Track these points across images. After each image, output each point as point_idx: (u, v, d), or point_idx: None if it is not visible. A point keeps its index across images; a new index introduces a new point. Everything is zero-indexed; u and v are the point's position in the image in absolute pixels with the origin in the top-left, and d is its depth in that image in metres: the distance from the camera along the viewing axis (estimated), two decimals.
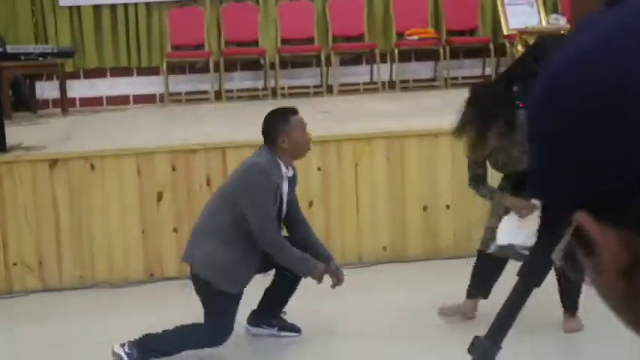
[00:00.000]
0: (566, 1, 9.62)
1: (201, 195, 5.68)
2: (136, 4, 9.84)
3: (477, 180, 4.78)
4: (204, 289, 4.39)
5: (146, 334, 4.36)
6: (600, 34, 0.72)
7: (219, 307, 4.35)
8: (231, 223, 4.37)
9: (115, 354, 4.28)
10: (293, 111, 4.53)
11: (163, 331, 4.36)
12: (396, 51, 9.82)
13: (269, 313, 4.77)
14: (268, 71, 9.71)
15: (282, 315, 4.82)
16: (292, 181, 4.58)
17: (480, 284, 4.81)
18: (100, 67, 9.81)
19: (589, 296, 5.10)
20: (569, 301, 4.66)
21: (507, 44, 9.89)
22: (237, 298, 4.42)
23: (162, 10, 9.89)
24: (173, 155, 5.80)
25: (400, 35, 10.02)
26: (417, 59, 10.19)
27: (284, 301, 4.76)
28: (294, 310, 5.13)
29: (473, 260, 6.01)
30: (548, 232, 0.77)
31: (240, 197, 4.35)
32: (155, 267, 5.84)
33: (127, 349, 4.29)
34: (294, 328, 4.76)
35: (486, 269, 4.79)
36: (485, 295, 4.82)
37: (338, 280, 4.51)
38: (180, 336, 4.34)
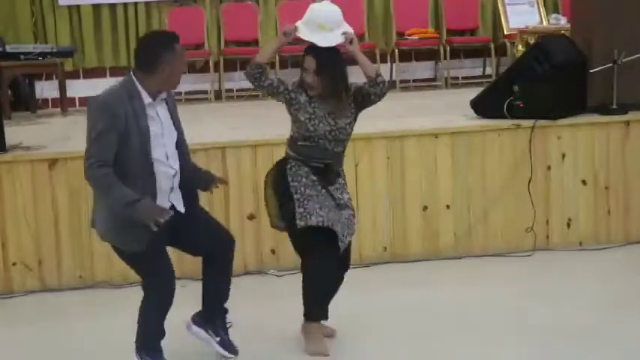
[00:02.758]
0: (566, 1, 9.61)
1: (201, 195, 5.66)
2: (135, 4, 9.82)
3: None
4: (118, 253, 4.18)
5: (136, 336, 4.28)
6: None
7: (141, 264, 4.17)
8: None
9: None
10: (177, 38, 4.10)
11: (138, 321, 4.26)
12: (396, 51, 9.81)
13: (208, 317, 4.48)
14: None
15: (227, 325, 4.52)
16: (170, 108, 4.16)
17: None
18: (99, 67, 9.80)
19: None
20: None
21: (507, 44, 9.88)
22: (152, 249, 4.07)
23: (162, 9, 9.88)
24: None
25: (400, 35, 10.01)
26: (417, 59, 10.17)
27: (218, 304, 4.45)
28: (293, 310, 5.12)
29: (473, 260, 6.02)
30: None
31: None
32: None
33: (139, 358, 4.28)
34: (232, 349, 4.47)
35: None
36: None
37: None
38: (145, 311, 4.23)
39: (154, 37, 4.28)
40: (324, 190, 4.46)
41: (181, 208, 4.21)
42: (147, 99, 4.02)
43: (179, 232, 4.22)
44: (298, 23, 4.40)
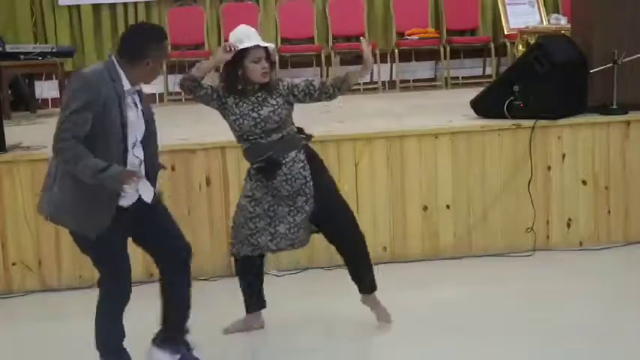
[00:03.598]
0: (566, 1, 9.61)
1: (201, 195, 5.67)
2: (135, 4, 9.84)
3: None
4: (78, 241, 4.08)
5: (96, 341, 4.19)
6: None
7: (100, 252, 4.06)
8: None
9: None
10: (165, 34, 4.11)
11: (96, 322, 4.18)
12: (396, 51, 9.81)
13: (169, 335, 4.31)
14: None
15: (186, 349, 4.35)
16: (141, 99, 4.10)
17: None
18: None
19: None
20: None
21: (508, 44, 9.89)
22: (113, 237, 3.99)
23: (162, 9, 9.90)
24: (173, 155, 5.78)
25: (400, 35, 10.02)
26: (417, 59, 10.18)
27: (178, 319, 4.31)
28: (293, 311, 5.12)
29: (473, 260, 6.02)
30: None
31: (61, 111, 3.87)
32: (155, 267, 5.81)
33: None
34: None
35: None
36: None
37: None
38: (99, 314, 4.14)
39: (145, 29, 4.22)
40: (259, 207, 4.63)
41: (148, 199, 4.10)
42: (127, 85, 3.97)
43: (142, 222, 4.13)
44: (232, 41, 4.55)
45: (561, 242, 6.21)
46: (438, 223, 6.10)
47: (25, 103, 9.06)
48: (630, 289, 5.33)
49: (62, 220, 4.07)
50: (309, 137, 4.68)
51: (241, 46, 4.50)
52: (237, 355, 4.69)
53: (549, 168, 6.18)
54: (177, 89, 9.86)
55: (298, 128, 4.66)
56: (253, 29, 4.64)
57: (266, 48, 4.56)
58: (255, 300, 4.84)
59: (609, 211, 6.27)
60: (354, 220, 4.74)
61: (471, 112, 6.48)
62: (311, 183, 4.59)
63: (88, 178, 3.82)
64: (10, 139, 5.95)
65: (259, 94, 4.55)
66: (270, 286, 5.61)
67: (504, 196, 6.13)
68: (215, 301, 5.31)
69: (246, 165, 5.89)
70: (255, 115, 4.53)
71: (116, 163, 3.88)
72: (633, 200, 6.28)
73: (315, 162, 4.65)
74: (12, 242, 5.72)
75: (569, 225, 6.23)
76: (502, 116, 6.18)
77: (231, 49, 4.53)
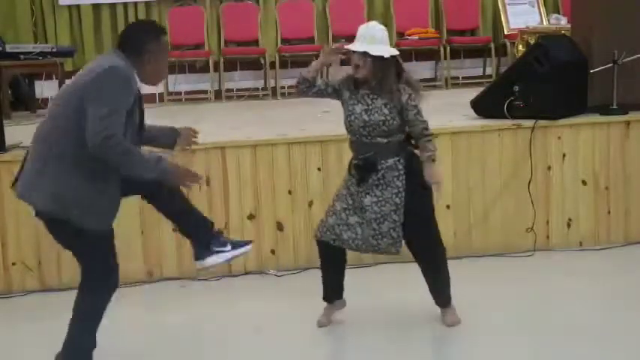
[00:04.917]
0: (566, 1, 9.61)
1: (201, 195, 5.67)
2: (135, 4, 9.84)
3: None
4: (69, 234, 3.91)
5: (64, 349, 4.09)
6: None
7: (99, 247, 3.94)
8: (82, 142, 3.75)
9: None
10: (164, 30, 4.09)
11: (69, 328, 4.07)
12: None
13: (203, 242, 4.22)
14: (268, 71, 9.71)
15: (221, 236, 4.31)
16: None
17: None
18: None
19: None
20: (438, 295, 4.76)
21: (508, 44, 9.89)
22: (110, 234, 3.96)
23: (162, 9, 9.89)
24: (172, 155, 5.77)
25: (400, 35, 10.01)
26: (417, 59, 10.17)
27: (197, 223, 4.23)
28: (293, 309, 5.12)
29: (473, 260, 6.02)
30: None
31: (90, 101, 3.75)
32: (154, 267, 5.83)
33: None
34: (244, 242, 4.36)
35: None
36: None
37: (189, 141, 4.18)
38: (83, 319, 4.04)
39: (143, 25, 4.22)
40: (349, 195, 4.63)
41: None
42: (138, 82, 3.97)
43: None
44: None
45: (561, 242, 6.21)
46: (438, 223, 6.08)
47: (25, 103, 9.05)
48: (630, 289, 5.33)
49: (68, 210, 3.83)
50: (414, 147, 4.64)
51: (348, 47, 4.53)
52: (237, 356, 4.69)
53: (549, 168, 6.18)
54: (178, 89, 9.89)
55: (408, 137, 4.62)
56: (372, 31, 4.58)
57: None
58: (329, 290, 4.83)
59: (609, 211, 6.27)
60: (436, 239, 4.73)
61: (471, 112, 6.47)
62: (403, 194, 4.56)
63: (143, 170, 3.79)
64: (10, 139, 5.94)
65: (373, 95, 4.55)
66: (270, 286, 5.63)
67: (504, 196, 6.13)
68: (203, 300, 5.31)
69: (246, 166, 5.92)
70: (366, 118, 4.55)
71: None
72: (633, 200, 6.28)
73: (413, 175, 4.59)
74: (12, 242, 5.72)
75: (569, 225, 6.23)
76: (502, 116, 6.18)
77: (335, 52, 4.64)
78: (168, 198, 4.11)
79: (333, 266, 4.78)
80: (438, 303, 4.79)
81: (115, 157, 3.75)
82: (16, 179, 4.04)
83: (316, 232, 4.76)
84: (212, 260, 4.21)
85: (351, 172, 4.64)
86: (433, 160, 4.52)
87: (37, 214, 3.98)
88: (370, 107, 4.55)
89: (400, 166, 4.56)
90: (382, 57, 4.49)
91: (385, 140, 4.55)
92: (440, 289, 4.76)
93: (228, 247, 4.22)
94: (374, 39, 4.52)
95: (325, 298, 4.85)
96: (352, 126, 4.60)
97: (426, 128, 4.56)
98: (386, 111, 4.52)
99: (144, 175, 3.81)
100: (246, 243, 4.35)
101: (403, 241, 4.64)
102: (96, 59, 4.07)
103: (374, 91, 4.55)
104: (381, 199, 4.56)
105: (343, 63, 4.70)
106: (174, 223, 4.33)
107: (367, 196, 4.57)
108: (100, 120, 3.71)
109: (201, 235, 4.22)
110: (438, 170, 4.59)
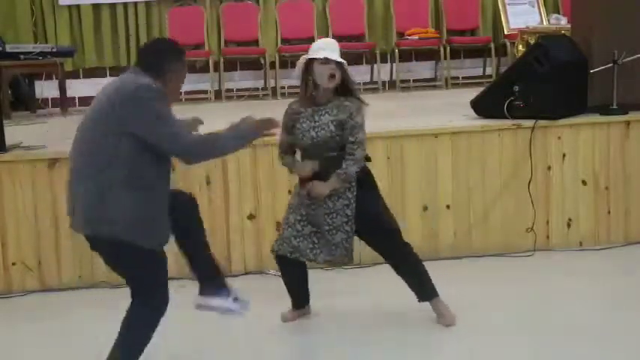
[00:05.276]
0: (566, 1, 9.61)
1: (201, 195, 5.67)
2: (135, 4, 9.84)
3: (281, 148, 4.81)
4: (127, 253, 3.85)
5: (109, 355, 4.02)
6: None
7: (153, 267, 3.93)
8: (124, 162, 3.76)
9: None
10: (184, 51, 4.14)
11: (116, 342, 4.01)
12: (397, 51, 9.81)
13: (209, 284, 4.25)
14: (268, 71, 9.71)
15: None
16: None
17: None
18: (99, 67, 9.81)
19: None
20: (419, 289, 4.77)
21: (508, 44, 9.89)
22: (163, 254, 3.99)
23: (162, 9, 9.90)
24: None
25: (400, 35, 10.02)
26: (417, 59, 10.18)
27: (208, 268, 4.28)
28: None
29: (473, 260, 6.02)
30: None
31: (134, 124, 3.76)
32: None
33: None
34: (245, 303, 4.29)
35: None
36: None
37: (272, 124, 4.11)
38: (130, 331, 3.98)
39: (163, 44, 4.19)
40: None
41: None
42: None
43: None
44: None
45: (561, 242, 6.21)
46: (438, 223, 6.10)
47: (25, 103, 9.06)
48: (630, 289, 5.33)
49: (129, 232, 3.80)
50: (366, 158, 4.70)
51: (302, 59, 4.62)
52: (237, 356, 4.69)
53: (549, 168, 6.18)
54: None
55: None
56: (332, 42, 4.73)
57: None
58: (296, 299, 4.93)
59: (609, 211, 6.27)
60: (397, 240, 4.71)
61: (471, 112, 6.48)
62: (354, 206, 4.60)
63: (235, 147, 4.00)
64: (10, 139, 5.94)
65: (320, 112, 4.61)
66: (270, 286, 5.62)
67: (504, 196, 6.13)
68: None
69: (246, 166, 5.91)
70: (313, 134, 4.59)
71: (167, 174, 3.97)
72: (633, 200, 6.28)
73: (364, 183, 4.64)
74: (12, 242, 5.72)
75: (569, 225, 6.23)
76: (502, 116, 6.18)
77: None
78: (197, 230, 4.23)
79: (294, 278, 4.86)
80: (421, 298, 4.79)
81: (213, 152, 4.00)
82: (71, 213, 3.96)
83: (273, 245, 4.80)
84: (216, 302, 4.25)
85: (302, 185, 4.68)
86: (339, 178, 4.53)
87: (98, 244, 3.92)
88: (317, 124, 4.59)
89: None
90: (343, 65, 4.58)
91: (336, 153, 4.59)
92: (418, 284, 4.77)
93: (231, 298, 4.25)
94: (336, 49, 4.60)
95: (294, 306, 4.93)
96: (302, 143, 4.63)
97: (354, 149, 4.56)
98: (332, 127, 4.57)
99: (238, 149, 4.03)
100: (246, 306, 4.30)
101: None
102: (120, 81, 3.96)
103: (321, 107, 4.60)
104: (332, 210, 4.61)
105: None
106: (193, 254, 4.29)
107: (319, 207, 4.62)
108: (176, 135, 3.85)
109: (214, 275, 4.27)
110: (324, 189, 4.54)
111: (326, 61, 4.54)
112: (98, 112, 3.86)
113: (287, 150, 4.78)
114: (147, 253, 3.88)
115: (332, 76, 4.55)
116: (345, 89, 4.62)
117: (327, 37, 9.95)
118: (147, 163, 3.82)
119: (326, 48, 4.60)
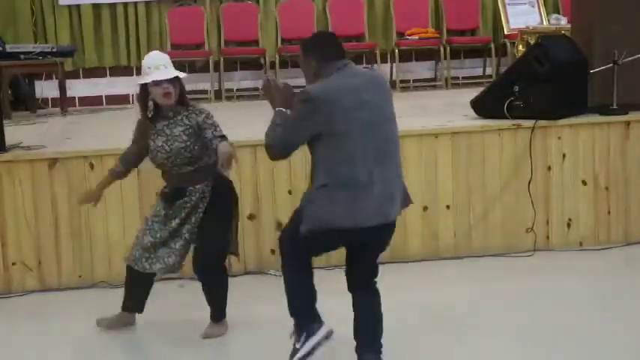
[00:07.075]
0: (566, 1, 9.61)
1: None
2: (135, 3, 9.83)
3: None
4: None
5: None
6: None
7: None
8: None
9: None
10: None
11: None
12: (397, 51, 9.81)
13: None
14: (268, 71, 9.71)
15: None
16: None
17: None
18: (99, 67, 9.81)
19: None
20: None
21: (508, 44, 9.89)
22: None
23: (162, 9, 9.89)
24: None
25: (400, 35, 10.02)
26: (417, 59, 10.18)
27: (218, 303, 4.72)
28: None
29: (473, 260, 6.02)
30: None
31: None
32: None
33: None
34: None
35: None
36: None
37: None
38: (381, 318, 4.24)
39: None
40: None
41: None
42: None
43: None
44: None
45: (561, 242, 6.21)
46: (438, 223, 6.10)
47: (25, 103, 9.06)
48: (630, 290, 5.33)
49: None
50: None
51: (141, 82, 4.57)
52: (237, 356, 4.69)
53: (549, 168, 6.18)
54: None
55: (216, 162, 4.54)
56: (164, 57, 4.63)
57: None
58: (132, 303, 4.91)
59: (609, 211, 6.27)
60: (216, 255, 4.68)
61: (471, 112, 6.48)
62: (200, 215, 4.62)
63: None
64: (10, 139, 5.94)
65: (170, 125, 4.59)
66: (270, 286, 5.62)
67: (504, 196, 6.13)
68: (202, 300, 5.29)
69: (246, 166, 5.92)
70: (167, 148, 4.58)
71: None
72: (633, 200, 6.28)
73: (217, 194, 4.65)
74: (12, 242, 5.72)
75: (569, 225, 6.23)
76: (502, 116, 6.18)
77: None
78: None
79: (140, 285, 4.84)
80: (214, 317, 4.78)
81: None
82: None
83: (128, 255, 4.76)
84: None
85: (163, 198, 4.68)
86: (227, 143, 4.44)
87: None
88: (169, 137, 4.57)
89: (207, 190, 4.62)
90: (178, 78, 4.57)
91: (192, 168, 4.58)
92: (213, 302, 4.78)
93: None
94: (168, 62, 4.56)
95: (125, 309, 4.90)
96: (157, 159, 4.62)
97: (217, 130, 4.52)
98: (185, 137, 4.55)
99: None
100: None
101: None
102: (358, 69, 4.39)
103: (171, 121, 4.58)
104: (186, 221, 4.63)
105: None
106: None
107: (176, 218, 4.63)
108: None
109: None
110: (228, 148, 4.41)
111: (156, 82, 4.50)
112: (382, 97, 4.31)
113: (130, 161, 4.81)
114: None
115: (168, 94, 4.52)
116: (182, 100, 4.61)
117: None
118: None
119: (158, 65, 4.52)
